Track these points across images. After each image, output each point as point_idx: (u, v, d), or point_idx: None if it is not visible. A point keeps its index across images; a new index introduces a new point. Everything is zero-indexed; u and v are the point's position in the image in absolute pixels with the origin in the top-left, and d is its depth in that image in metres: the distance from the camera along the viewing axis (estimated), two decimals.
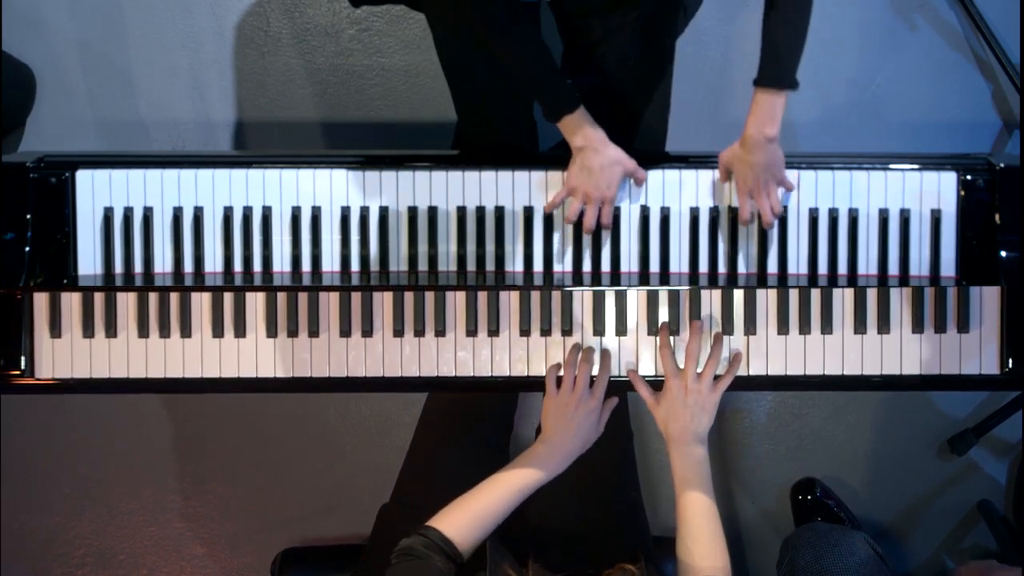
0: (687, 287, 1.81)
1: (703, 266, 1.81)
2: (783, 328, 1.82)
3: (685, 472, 1.69)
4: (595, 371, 1.80)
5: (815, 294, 1.82)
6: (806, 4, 1.63)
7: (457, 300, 1.82)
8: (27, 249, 1.76)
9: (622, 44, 1.83)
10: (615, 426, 1.82)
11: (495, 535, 1.61)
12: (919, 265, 1.81)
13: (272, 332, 1.82)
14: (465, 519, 1.60)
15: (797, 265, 1.81)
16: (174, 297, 1.81)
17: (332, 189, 1.80)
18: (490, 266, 1.81)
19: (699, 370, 1.77)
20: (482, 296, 1.81)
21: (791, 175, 1.80)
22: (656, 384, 1.80)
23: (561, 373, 1.79)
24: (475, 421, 1.90)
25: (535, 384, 1.81)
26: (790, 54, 1.66)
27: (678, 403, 1.73)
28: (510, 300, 1.82)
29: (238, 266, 1.80)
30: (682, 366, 1.77)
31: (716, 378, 1.78)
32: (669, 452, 1.72)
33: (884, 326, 1.82)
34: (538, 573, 1.46)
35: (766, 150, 1.70)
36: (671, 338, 1.80)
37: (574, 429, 1.73)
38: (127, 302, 1.82)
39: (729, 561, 1.62)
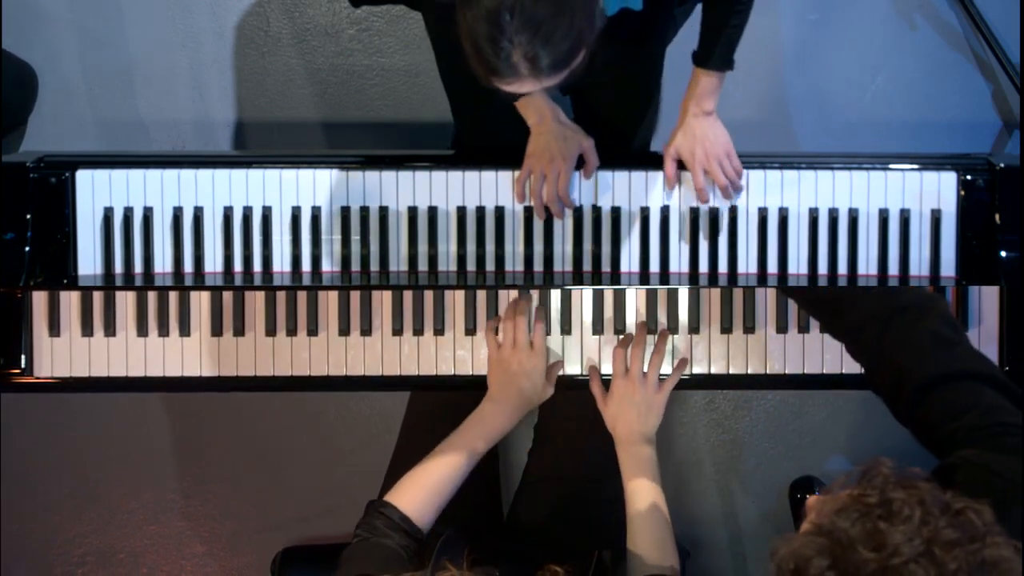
0: (687, 287, 1.81)
1: (703, 266, 1.81)
2: (782, 327, 1.82)
3: (634, 472, 1.69)
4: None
5: None
6: None
7: (456, 299, 1.82)
8: (27, 249, 1.77)
9: (612, 51, 1.83)
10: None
11: (456, 530, 1.62)
12: (919, 265, 1.81)
13: (271, 331, 1.82)
14: (421, 492, 1.61)
15: (797, 265, 1.81)
16: (173, 296, 1.81)
17: (332, 189, 1.80)
18: (490, 266, 1.81)
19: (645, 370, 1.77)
20: (481, 295, 1.82)
21: (791, 175, 1.80)
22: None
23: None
24: (460, 418, 1.90)
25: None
26: (734, 37, 1.69)
27: (626, 402, 1.73)
28: (509, 299, 1.82)
29: (238, 266, 1.80)
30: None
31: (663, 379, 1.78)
32: (618, 452, 1.72)
33: None
34: (473, 563, 1.46)
35: (706, 122, 1.74)
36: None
37: (518, 385, 1.74)
38: (126, 301, 1.82)
39: (678, 560, 1.62)
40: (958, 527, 1.04)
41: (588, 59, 1.40)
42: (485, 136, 1.99)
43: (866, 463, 1.12)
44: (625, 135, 1.99)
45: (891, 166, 1.81)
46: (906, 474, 1.10)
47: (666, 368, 1.80)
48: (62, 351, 1.82)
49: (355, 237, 1.80)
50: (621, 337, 1.80)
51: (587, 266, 1.81)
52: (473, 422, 1.71)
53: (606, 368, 1.82)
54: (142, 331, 1.82)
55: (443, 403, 1.90)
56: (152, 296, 1.82)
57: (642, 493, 1.66)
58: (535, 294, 1.82)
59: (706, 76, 1.72)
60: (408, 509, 1.58)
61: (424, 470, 1.64)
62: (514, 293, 1.82)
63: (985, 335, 1.82)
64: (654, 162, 1.81)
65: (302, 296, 1.82)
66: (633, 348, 1.77)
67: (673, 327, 1.82)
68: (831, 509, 1.08)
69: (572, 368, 1.82)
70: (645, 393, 1.74)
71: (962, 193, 1.80)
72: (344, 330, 1.82)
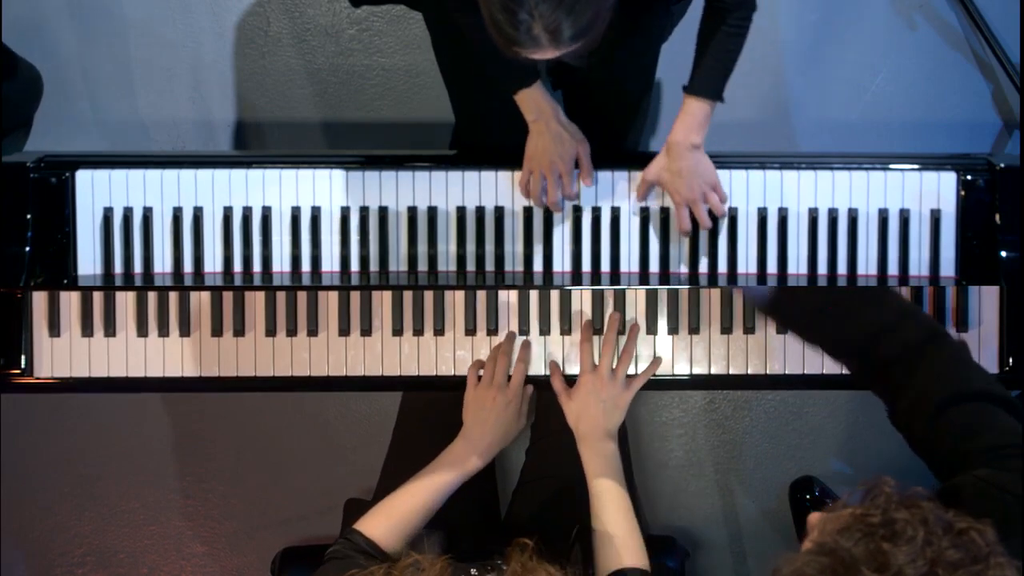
0: (687, 287, 1.81)
1: (703, 266, 1.81)
2: (782, 327, 1.82)
3: (598, 469, 1.69)
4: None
5: None
6: (750, 18, 1.65)
7: (456, 299, 1.82)
8: (27, 249, 1.77)
9: (608, 50, 1.83)
10: None
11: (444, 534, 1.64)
12: (919, 265, 1.81)
13: (271, 331, 1.82)
14: (387, 521, 1.62)
15: (797, 265, 1.81)
16: (173, 297, 1.82)
17: (332, 189, 1.80)
18: (490, 266, 1.81)
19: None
20: (481, 295, 1.82)
21: (791, 175, 1.80)
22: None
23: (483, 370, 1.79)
24: (452, 417, 1.90)
25: (533, 383, 1.81)
26: (730, 67, 1.68)
27: (592, 398, 1.73)
28: (509, 299, 1.82)
29: (238, 266, 1.80)
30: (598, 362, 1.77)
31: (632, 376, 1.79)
32: (580, 448, 1.72)
33: None
34: (430, 549, 1.47)
35: (692, 157, 1.71)
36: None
37: (492, 422, 1.73)
38: (126, 301, 1.82)
39: (646, 555, 1.61)
40: (961, 547, 1.04)
41: (606, 26, 1.39)
42: (485, 131, 1.99)
43: (868, 481, 1.11)
44: (618, 132, 1.99)
45: (891, 166, 1.81)
46: (909, 493, 1.10)
47: (641, 366, 1.81)
48: (62, 351, 1.82)
49: (355, 237, 1.80)
50: (583, 328, 1.80)
51: (587, 266, 1.81)
52: (445, 458, 1.71)
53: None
54: (142, 331, 1.82)
55: (435, 402, 1.91)
56: (152, 296, 1.82)
57: (610, 492, 1.66)
58: (534, 295, 1.82)
59: (697, 105, 1.69)
60: (375, 535, 1.60)
61: (394, 501, 1.65)
62: (514, 293, 1.82)
63: (985, 335, 1.82)
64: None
65: (302, 296, 1.82)
66: (604, 344, 1.78)
67: (673, 327, 1.82)
68: (834, 528, 1.07)
69: (571, 369, 1.82)
70: (612, 390, 1.74)
71: (962, 193, 1.80)
72: (344, 330, 1.82)
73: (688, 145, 1.70)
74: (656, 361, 1.81)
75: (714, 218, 1.79)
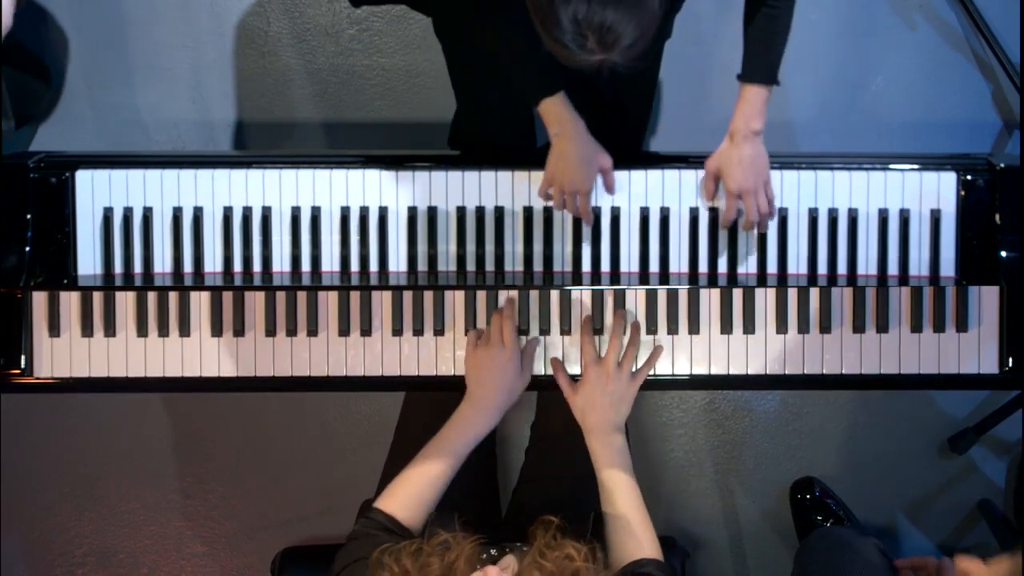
0: (687, 287, 1.81)
1: (703, 266, 1.81)
2: (782, 327, 1.82)
3: (608, 461, 1.69)
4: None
5: (814, 293, 1.82)
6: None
7: (456, 299, 1.82)
8: (27, 249, 1.77)
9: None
10: None
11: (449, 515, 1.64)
12: (919, 265, 1.81)
13: (271, 331, 1.82)
14: (405, 494, 1.63)
15: (797, 265, 1.81)
16: (173, 297, 1.81)
17: (332, 189, 1.80)
18: (490, 266, 1.81)
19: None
20: (481, 295, 1.82)
21: (791, 175, 1.80)
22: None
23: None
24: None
25: (533, 383, 1.81)
26: (777, 49, 1.68)
27: (597, 392, 1.73)
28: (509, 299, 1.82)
29: (238, 266, 1.80)
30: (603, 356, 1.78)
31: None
32: (588, 442, 1.72)
33: (883, 325, 1.82)
34: (462, 528, 1.47)
35: (753, 143, 1.71)
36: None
37: (495, 381, 1.74)
38: (126, 301, 1.82)
39: (659, 546, 1.62)
40: None
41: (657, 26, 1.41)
42: (485, 120, 1.98)
43: None
44: (620, 132, 1.99)
45: (891, 166, 1.81)
46: None
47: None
48: (62, 351, 1.82)
49: (355, 237, 1.80)
50: (583, 322, 1.80)
51: (587, 266, 1.81)
52: (453, 423, 1.72)
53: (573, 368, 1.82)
54: (142, 331, 1.82)
55: (437, 402, 1.90)
56: (152, 296, 1.82)
57: (621, 485, 1.67)
58: (534, 295, 1.82)
59: (753, 91, 1.69)
60: (395, 512, 1.60)
61: (409, 474, 1.66)
62: (514, 293, 1.82)
63: (985, 335, 1.82)
64: (654, 162, 1.81)
65: (302, 296, 1.82)
66: (611, 338, 1.78)
67: (673, 327, 1.82)
68: None
69: (572, 369, 1.82)
70: (618, 383, 1.74)
71: (962, 193, 1.80)
72: (344, 330, 1.82)
73: (749, 132, 1.70)
74: (658, 349, 1.81)
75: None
